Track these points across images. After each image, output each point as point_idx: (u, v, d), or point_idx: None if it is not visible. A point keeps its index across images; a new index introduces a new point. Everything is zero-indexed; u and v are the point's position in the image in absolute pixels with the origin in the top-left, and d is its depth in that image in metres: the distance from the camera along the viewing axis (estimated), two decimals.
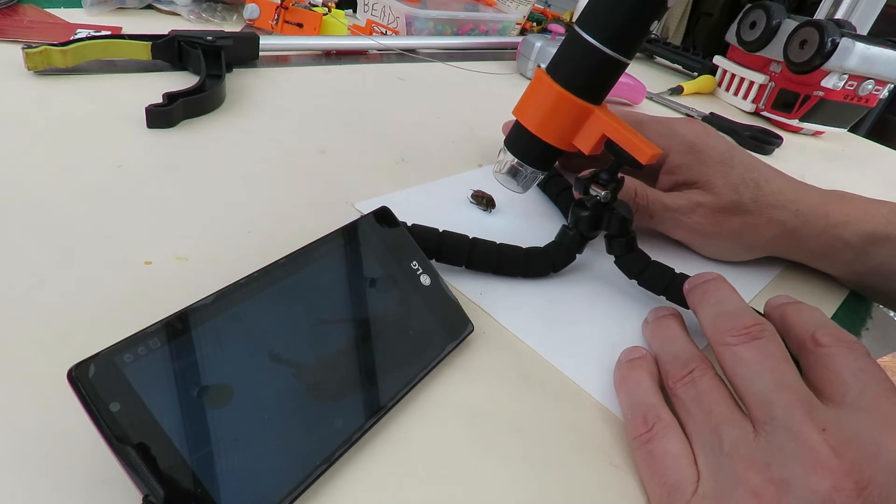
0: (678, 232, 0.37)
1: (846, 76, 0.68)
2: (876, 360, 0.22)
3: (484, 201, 0.37)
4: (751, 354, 0.22)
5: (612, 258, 0.32)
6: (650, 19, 0.28)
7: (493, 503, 0.20)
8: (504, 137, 0.33)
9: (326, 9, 0.66)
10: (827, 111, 0.72)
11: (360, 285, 0.24)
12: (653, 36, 1.02)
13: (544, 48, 0.66)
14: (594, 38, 0.28)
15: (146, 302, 0.24)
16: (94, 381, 0.16)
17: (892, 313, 0.42)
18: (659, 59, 0.99)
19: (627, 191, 0.34)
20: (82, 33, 0.51)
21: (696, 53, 0.92)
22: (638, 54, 0.99)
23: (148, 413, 0.16)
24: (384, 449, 0.21)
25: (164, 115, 0.38)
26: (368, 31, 0.75)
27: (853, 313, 0.39)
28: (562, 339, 0.28)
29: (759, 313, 0.25)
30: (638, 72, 0.84)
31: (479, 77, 0.66)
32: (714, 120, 0.69)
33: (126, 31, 0.52)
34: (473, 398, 0.24)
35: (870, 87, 0.70)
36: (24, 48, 0.40)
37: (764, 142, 0.65)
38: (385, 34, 0.74)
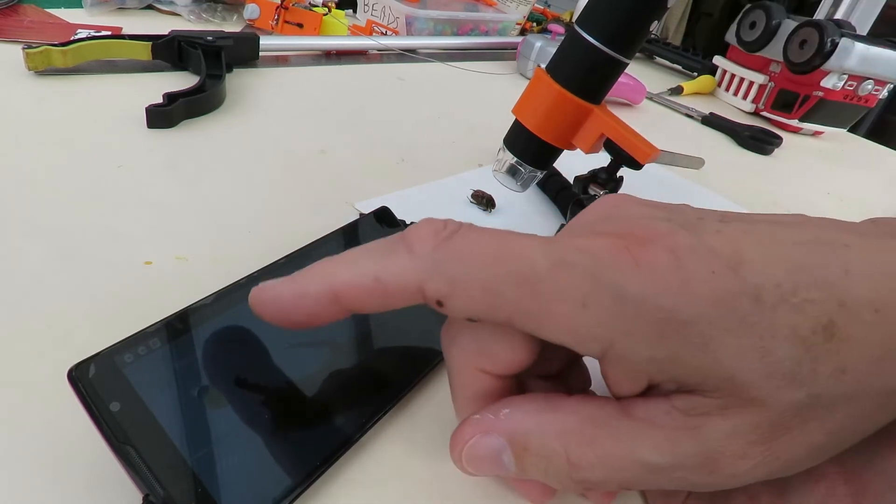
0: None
1: (846, 76, 0.68)
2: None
3: (484, 201, 0.37)
4: None
5: None
6: (650, 19, 0.28)
7: (493, 500, 0.20)
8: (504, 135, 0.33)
9: (326, 9, 0.66)
10: (826, 111, 0.72)
11: None
12: (653, 36, 1.02)
13: (544, 48, 0.66)
14: (594, 38, 0.28)
15: (146, 302, 0.24)
16: (94, 381, 0.16)
17: None
18: (659, 59, 0.99)
19: (552, 454, 0.16)
20: (82, 33, 0.51)
21: (695, 53, 0.92)
22: (638, 54, 0.98)
23: (148, 413, 0.16)
24: (385, 448, 0.21)
25: (164, 115, 0.38)
26: (368, 31, 0.75)
27: None
28: None
29: None
30: (638, 72, 0.84)
31: (479, 77, 0.66)
32: (714, 120, 0.69)
33: (126, 31, 0.52)
34: None
35: (869, 87, 0.70)
36: (24, 48, 0.40)
37: (764, 142, 0.65)
38: (385, 34, 0.74)
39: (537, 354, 0.17)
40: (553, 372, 0.19)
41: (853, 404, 0.15)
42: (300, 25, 0.64)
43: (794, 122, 0.74)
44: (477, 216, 0.37)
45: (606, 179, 0.35)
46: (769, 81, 0.77)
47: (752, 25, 0.76)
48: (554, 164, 0.34)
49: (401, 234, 0.16)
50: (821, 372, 0.14)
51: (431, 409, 0.23)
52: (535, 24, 0.96)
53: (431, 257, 0.15)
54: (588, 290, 0.14)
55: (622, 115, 0.32)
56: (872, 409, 0.15)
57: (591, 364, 0.17)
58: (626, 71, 0.30)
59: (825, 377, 0.14)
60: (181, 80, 0.45)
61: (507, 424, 0.16)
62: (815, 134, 0.78)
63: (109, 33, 0.51)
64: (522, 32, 0.90)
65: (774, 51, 0.74)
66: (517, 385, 0.19)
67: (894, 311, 0.14)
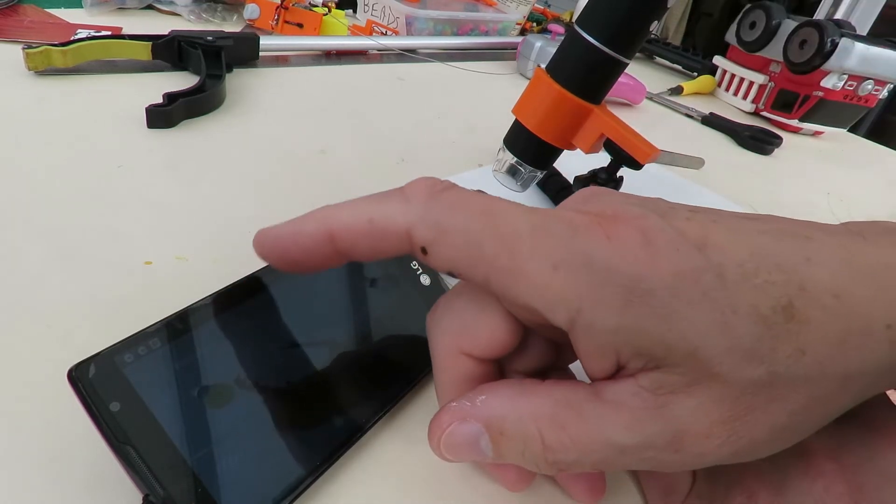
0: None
1: (846, 76, 0.68)
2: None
3: None
4: None
5: None
6: (650, 19, 0.28)
7: (491, 498, 0.20)
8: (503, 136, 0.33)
9: (326, 9, 0.66)
10: (826, 111, 0.72)
11: (360, 284, 0.24)
12: (653, 36, 1.02)
13: (544, 48, 0.66)
14: (594, 38, 0.28)
15: (146, 302, 0.24)
16: (94, 381, 0.16)
17: None
18: (659, 59, 0.99)
19: (528, 438, 0.16)
20: (82, 33, 0.51)
21: (695, 53, 0.92)
22: (638, 54, 0.98)
23: (148, 413, 0.16)
24: (385, 448, 0.21)
25: (164, 115, 0.38)
26: (368, 31, 0.75)
27: None
28: None
29: None
30: (638, 72, 0.84)
31: (479, 77, 0.66)
32: (714, 120, 0.69)
33: (126, 31, 0.52)
34: None
35: (869, 87, 0.70)
36: (24, 48, 0.40)
37: (764, 142, 0.65)
38: (385, 34, 0.74)
39: (518, 339, 0.18)
40: (536, 369, 0.20)
41: (814, 386, 0.15)
42: (300, 25, 0.64)
43: (794, 122, 0.74)
44: None
45: (606, 179, 0.35)
46: (769, 81, 0.77)
47: (752, 25, 0.76)
48: (554, 164, 0.34)
49: (398, 187, 0.17)
50: (781, 351, 0.14)
51: (431, 408, 0.22)
52: (535, 24, 0.96)
53: (423, 205, 0.16)
54: (561, 255, 0.15)
55: (622, 115, 0.32)
56: (834, 391, 0.15)
57: (578, 371, 0.17)
58: (626, 71, 0.30)
59: (785, 356, 0.14)
60: (181, 80, 0.45)
61: (483, 410, 0.17)
62: (815, 134, 0.78)
63: (109, 33, 0.51)
64: (522, 32, 0.90)
65: (774, 51, 0.74)
66: (499, 376, 0.19)
67: (853, 297, 0.15)
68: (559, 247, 0.15)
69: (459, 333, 0.18)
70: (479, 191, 0.17)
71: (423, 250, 0.16)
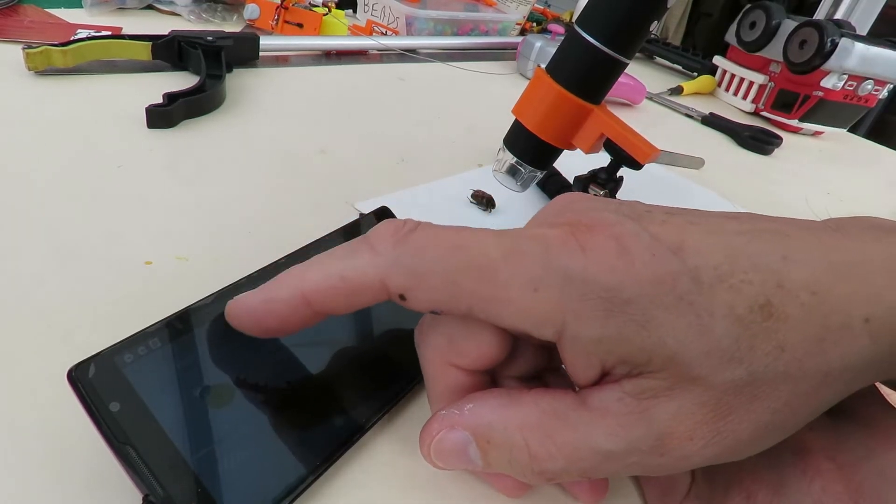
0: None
1: (846, 76, 0.68)
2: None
3: (484, 201, 0.37)
4: None
5: None
6: (650, 19, 0.28)
7: (491, 500, 0.20)
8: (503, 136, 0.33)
9: (326, 9, 0.66)
10: (826, 111, 0.72)
11: None
12: (652, 36, 1.02)
13: (544, 48, 0.66)
14: (594, 38, 0.28)
15: (146, 302, 0.24)
16: (94, 381, 0.16)
17: None
18: (659, 60, 0.99)
19: (514, 447, 0.16)
20: (82, 33, 0.51)
21: (695, 54, 0.92)
22: (638, 54, 0.98)
23: (148, 413, 0.16)
24: (385, 449, 0.21)
25: (164, 115, 0.38)
26: (368, 31, 0.75)
27: None
28: None
29: None
30: (638, 72, 0.84)
31: (479, 77, 0.66)
32: (714, 120, 0.69)
33: (126, 31, 0.52)
34: None
35: (869, 87, 0.70)
36: (24, 48, 0.40)
37: (763, 142, 0.65)
38: (385, 34, 0.74)
39: (507, 350, 0.18)
40: (529, 372, 0.20)
41: (795, 383, 0.15)
42: (300, 25, 0.64)
43: (794, 122, 0.74)
44: (477, 216, 0.37)
45: (606, 179, 0.35)
46: (769, 81, 0.77)
47: (752, 25, 0.76)
48: (554, 164, 0.34)
49: (363, 236, 0.17)
50: (759, 349, 0.14)
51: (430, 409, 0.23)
52: (535, 24, 0.96)
53: (392, 253, 0.16)
54: (539, 275, 0.15)
55: (622, 115, 0.32)
56: (815, 388, 0.15)
57: None
58: (626, 71, 0.30)
59: (764, 355, 0.14)
60: (181, 80, 0.45)
61: (470, 419, 0.17)
62: (815, 134, 0.78)
63: (109, 33, 0.51)
64: (522, 32, 0.90)
65: (774, 51, 0.74)
66: (492, 383, 0.19)
67: (831, 293, 0.15)
68: (536, 267, 0.15)
69: (447, 348, 0.18)
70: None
71: (402, 297, 0.16)
